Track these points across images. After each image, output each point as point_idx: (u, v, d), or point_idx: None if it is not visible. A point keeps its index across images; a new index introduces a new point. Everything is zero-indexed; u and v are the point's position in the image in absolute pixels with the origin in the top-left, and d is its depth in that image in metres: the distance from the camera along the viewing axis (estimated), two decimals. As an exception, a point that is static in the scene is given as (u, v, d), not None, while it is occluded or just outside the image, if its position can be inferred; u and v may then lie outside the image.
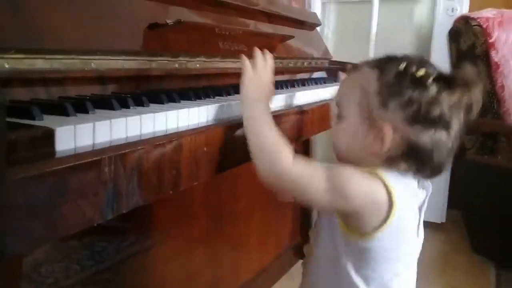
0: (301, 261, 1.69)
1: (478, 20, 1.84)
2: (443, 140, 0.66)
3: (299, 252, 1.72)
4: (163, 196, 0.60)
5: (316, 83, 1.38)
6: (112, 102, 0.64)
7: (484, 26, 1.82)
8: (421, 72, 0.66)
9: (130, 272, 1.03)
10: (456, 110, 0.66)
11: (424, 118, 0.65)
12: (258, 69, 0.77)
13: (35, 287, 0.82)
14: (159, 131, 0.62)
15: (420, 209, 0.73)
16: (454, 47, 1.88)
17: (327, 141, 2.43)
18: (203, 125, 0.71)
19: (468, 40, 1.85)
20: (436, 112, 0.65)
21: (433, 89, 0.65)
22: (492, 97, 1.83)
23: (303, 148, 1.77)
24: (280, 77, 1.36)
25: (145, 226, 1.05)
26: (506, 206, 1.70)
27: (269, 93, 0.77)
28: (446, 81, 0.66)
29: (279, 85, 1.16)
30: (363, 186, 0.66)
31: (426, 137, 0.65)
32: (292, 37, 1.34)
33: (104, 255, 0.96)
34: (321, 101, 1.16)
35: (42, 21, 0.65)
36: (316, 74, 1.59)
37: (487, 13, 1.88)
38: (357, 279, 0.70)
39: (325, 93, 1.24)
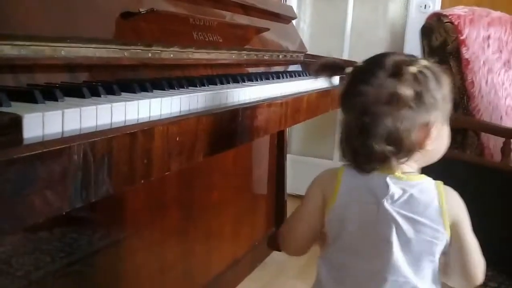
0: (275, 252, 1.72)
1: (450, 17, 1.88)
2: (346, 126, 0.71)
3: (273, 243, 1.73)
4: (134, 185, 0.60)
5: (291, 76, 1.39)
6: (83, 90, 0.63)
7: (456, 23, 1.86)
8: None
9: (102, 264, 1.02)
10: (354, 96, 0.69)
11: (341, 101, 0.73)
12: None
13: (6, 279, 0.81)
14: (130, 120, 0.62)
15: (377, 207, 0.70)
16: (426, 43, 1.92)
17: (302, 133, 2.45)
18: (176, 115, 0.71)
19: (440, 36, 1.90)
20: (344, 96, 0.73)
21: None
22: (462, 93, 1.88)
23: (278, 139, 1.78)
24: (255, 69, 1.36)
25: (117, 218, 1.04)
26: (474, 199, 1.76)
27: None
28: (357, 71, 0.73)
29: (253, 77, 1.17)
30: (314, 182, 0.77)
31: (343, 120, 0.72)
32: (267, 29, 1.35)
33: (76, 246, 0.95)
34: (295, 94, 1.17)
35: (11, 7, 0.64)
36: (292, 68, 1.60)
37: (459, 10, 1.92)
38: (319, 261, 0.76)
39: (300, 86, 1.26)
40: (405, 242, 0.69)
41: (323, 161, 2.20)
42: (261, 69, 1.40)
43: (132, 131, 0.58)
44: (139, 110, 0.64)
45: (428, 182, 0.71)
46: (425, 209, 0.69)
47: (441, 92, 0.69)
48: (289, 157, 2.33)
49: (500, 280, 1.66)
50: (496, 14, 2.02)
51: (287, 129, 2.42)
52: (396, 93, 0.66)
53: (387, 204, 0.69)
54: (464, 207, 0.73)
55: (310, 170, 2.27)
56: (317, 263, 0.77)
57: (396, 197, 0.69)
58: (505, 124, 1.88)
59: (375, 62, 0.70)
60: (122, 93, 0.69)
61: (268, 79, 1.23)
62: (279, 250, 1.74)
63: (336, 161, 2.16)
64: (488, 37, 1.93)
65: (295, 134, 2.48)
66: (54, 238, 0.90)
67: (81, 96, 0.62)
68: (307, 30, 2.41)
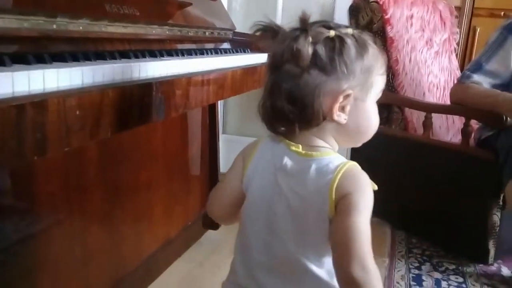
0: (210, 231, 1.71)
1: (376, -4, 1.93)
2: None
3: (207, 222, 1.72)
4: (26, 161, 0.56)
5: (217, 53, 1.37)
6: (-35, 60, 0.58)
7: (381, 2, 1.92)
8: None
9: (24, 254, 0.96)
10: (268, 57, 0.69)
11: None
12: None
13: None
14: (19, 92, 0.57)
15: (275, 180, 0.68)
16: (354, 23, 1.97)
17: (238, 114, 2.45)
18: (77, 87, 0.67)
19: (366, 16, 1.94)
20: None
21: None
22: (388, 71, 1.95)
23: (210, 119, 1.76)
24: (180, 46, 1.32)
25: (35, 205, 0.98)
26: (399, 172, 1.84)
27: None
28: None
29: (174, 53, 1.13)
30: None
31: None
32: (190, 4, 1.31)
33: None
34: (219, 69, 1.15)
35: None
36: (219, 45, 1.57)
37: (384, -10, 1.97)
38: None
39: (225, 62, 1.24)
40: (292, 218, 0.67)
41: (258, 141, 2.21)
42: (186, 46, 1.36)
43: (19, 103, 0.54)
44: (31, 82, 0.59)
45: (333, 159, 0.67)
46: (314, 184, 0.65)
47: (362, 64, 0.65)
48: (224, 137, 2.32)
49: (424, 247, 1.76)
50: (419, -6, 2.09)
51: (222, 109, 2.40)
52: (299, 51, 0.62)
53: (279, 176, 0.68)
54: (363, 190, 0.64)
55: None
56: None
57: (288, 169, 0.67)
58: (427, 100, 1.98)
59: (299, 25, 0.66)
60: (14, 65, 0.64)
61: (191, 55, 1.20)
62: (214, 229, 1.74)
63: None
64: (411, 16, 2.01)
65: (231, 114, 2.47)
66: None
67: (-37, 66, 0.57)
68: (240, 10, 2.38)
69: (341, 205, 0.63)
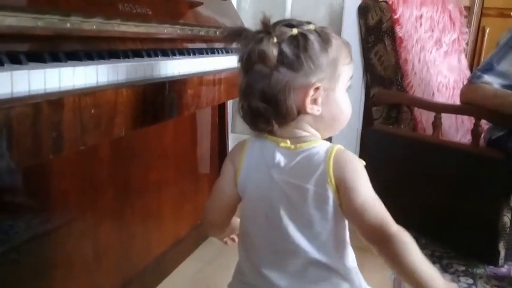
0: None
1: (385, -4, 1.92)
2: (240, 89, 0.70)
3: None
4: (42, 160, 0.56)
5: (228, 52, 1.37)
6: (-17, 59, 0.58)
7: (390, 2, 1.91)
8: None
9: (37, 252, 0.96)
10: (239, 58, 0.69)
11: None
12: None
13: None
14: (36, 90, 0.58)
15: (269, 177, 0.70)
16: (363, 23, 1.96)
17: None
18: (92, 86, 0.67)
19: (375, 15, 1.94)
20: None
21: None
22: (397, 71, 1.94)
23: (220, 117, 1.76)
24: (191, 45, 1.32)
25: (50, 204, 0.99)
26: (408, 172, 1.83)
27: None
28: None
29: (186, 52, 1.13)
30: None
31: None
32: (201, 3, 1.31)
33: (12, 234, 0.90)
34: (230, 69, 1.16)
35: None
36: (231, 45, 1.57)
37: (393, -11, 1.97)
38: None
39: (235, 62, 1.24)
40: (294, 211, 0.68)
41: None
42: (197, 45, 1.36)
43: (35, 101, 0.54)
44: (46, 80, 0.59)
45: (320, 147, 0.69)
46: (311, 175, 0.67)
47: (327, 57, 0.68)
48: (233, 136, 2.32)
49: (434, 248, 1.75)
50: (428, -7, 2.08)
51: (231, 108, 2.40)
52: (264, 52, 0.64)
53: (274, 173, 0.69)
54: (356, 168, 0.68)
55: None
56: None
57: (282, 165, 0.69)
58: (436, 100, 1.97)
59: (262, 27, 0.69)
60: (31, 63, 0.64)
61: (202, 54, 1.20)
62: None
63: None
64: (421, 16, 2.00)
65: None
66: None
67: (-20, 65, 0.57)
68: (249, 10, 2.38)
69: (344, 189, 0.66)
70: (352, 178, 0.67)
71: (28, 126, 0.53)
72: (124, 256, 1.26)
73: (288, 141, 0.70)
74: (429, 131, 1.82)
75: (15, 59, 0.62)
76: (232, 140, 2.03)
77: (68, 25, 0.84)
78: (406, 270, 0.64)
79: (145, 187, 1.34)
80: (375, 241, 0.66)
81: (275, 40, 0.65)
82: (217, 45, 1.47)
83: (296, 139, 0.70)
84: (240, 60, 0.68)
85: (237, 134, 2.41)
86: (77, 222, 1.07)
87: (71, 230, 1.05)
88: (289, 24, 0.68)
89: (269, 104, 0.66)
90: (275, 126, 0.69)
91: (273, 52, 0.64)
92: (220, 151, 1.80)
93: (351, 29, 2.02)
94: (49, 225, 0.99)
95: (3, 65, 0.60)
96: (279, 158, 0.69)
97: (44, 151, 0.56)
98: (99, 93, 0.65)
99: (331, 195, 0.66)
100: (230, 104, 2.28)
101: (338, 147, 0.69)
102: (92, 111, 0.63)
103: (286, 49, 0.65)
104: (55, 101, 0.56)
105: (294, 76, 0.66)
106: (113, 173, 1.19)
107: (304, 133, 0.70)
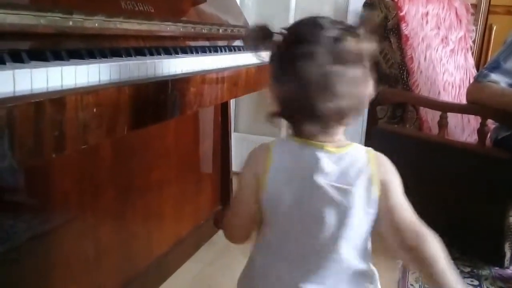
0: (221, 230, 1.70)
1: (391, -7, 1.90)
2: (293, 91, 0.66)
3: (219, 222, 1.71)
4: (45, 159, 0.55)
5: (231, 50, 1.35)
6: (-17, 57, 0.57)
7: (396, -1, 1.89)
8: (283, 30, 0.69)
9: (38, 251, 0.96)
10: (299, 59, 0.65)
11: (277, 72, 0.68)
12: None
13: None
14: (38, 89, 0.57)
15: (309, 184, 0.67)
16: (368, 20, 1.94)
17: (249, 112, 2.43)
18: (94, 84, 0.66)
19: (380, 13, 1.92)
20: (281, 65, 0.68)
21: (281, 43, 0.68)
22: (402, 69, 1.92)
23: (222, 116, 1.75)
24: (195, 43, 1.31)
25: (50, 203, 0.98)
26: (413, 172, 1.81)
27: None
28: (293, 33, 0.68)
29: (188, 50, 1.12)
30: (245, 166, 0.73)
31: (283, 90, 0.68)
32: (203, 1, 1.30)
33: (12, 234, 0.89)
34: (233, 67, 1.14)
35: None
36: (233, 42, 1.56)
37: (399, -13, 1.95)
38: (255, 247, 0.74)
39: (238, 60, 1.23)
40: (339, 216, 0.67)
41: (270, 139, 2.19)
42: (200, 43, 1.35)
43: (38, 100, 0.53)
44: (49, 79, 0.58)
45: (357, 150, 0.70)
46: (356, 178, 0.67)
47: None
48: (236, 136, 2.31)
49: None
50: (434, -9, 2.06)
51: (234, 107, 2.39)
52: (359, 51, 0.66)
53: (319, 179, 0.67)
54: (394, 170, 0.71)
55: (257, 148, 2.29)
56: (252, 250, 0.73)
57: (328, 170, 0.67)
58: (442, 99, 1.95)
59: (311, 24, 0.67)
60: (32, 61, 0.63)
61: (205, 52, 1.19)
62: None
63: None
64: (427, 13, 1.98)
65: (243, 112, 2.46)
66: None
67: (-19, 63, 0.56)
68: (252, 7, 2.37)
69: (386, 191, 0.69)
70: (393, 179, 0.70)
71: (30, 125, 0.52)
72: (125, 256, 1.25)
73: (330, 145, 0.68)
74: (435, 130, 1.81)
75: (17, 58, 0.61)
76: (234, 140, 2.02)
77: (70, 23, 0.83)
78: (439, 269, 0.67)
79: (146, 187, 1.33)
80: (414, 239, 0.69)
81: (359, 38, 0.66)
82: (220, 43, 1.46)
83: (335, 143, 0.69)
84: (309, 59, 0.64)
85: (240, 133, 2.39)
86: (78, 221, 1.06)
87: (72, 230, 1.04)
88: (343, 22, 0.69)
89: (344, 101, 0.65)
90: (320, 130, 0.68)
91: (358, 49, 0.65)
92: (223, 150, 1.79)
93: (355, 27, 2.00)
94: (49, 224, 0.98)
95: (5, 63, 0.59)
96: (324, 162, 0.67)
97: (46, 150, 0.55)
98: (101, 91, 0.64)
99: (375, 197, 0.68)
100: (232, 103, 2.27)
101: (373, 151, 0.71)
102: (95, 109, 0.62)
103: (368, 45, 0.67)
104: (58, 100, 0.56)
105: (362, 71, 0.67)
106: (114, 172, 1.18)
107: (340, 137, 0.70)
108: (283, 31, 0.69)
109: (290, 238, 0.69)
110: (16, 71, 0.54)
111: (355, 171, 0.68)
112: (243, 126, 2.44)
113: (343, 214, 0.67)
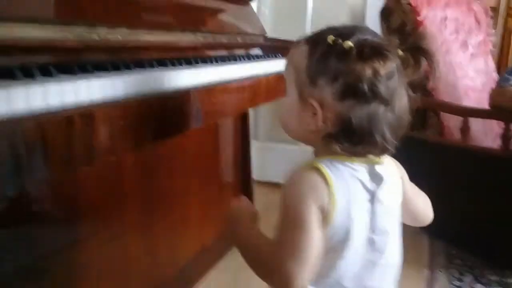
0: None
1: (408, -2, 1.89)
2: (379, 114, 0.62)
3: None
4: (75, 171, 0.56)
5: (250, 59, 1.36)
6: (14, 71, 0.58)
7: (414, 4, 1.88)
8: (348, 43, 0.63)
9: (65, 261, 0.97)
10: (391, 81, 0.62)
11: (354, 92, 0.62)
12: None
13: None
14: (68, 103, 0.58)
15: (371, 202, 0.67)
16: (386, 26, 1.93)
17: (268, 120, 2.43)
18: (120, 97, 0.67)
19: (398, 18, 1.90)
20: (366, 85, 0.61)
21: (358, 60, 0.62)
22: (422, 74, 1.90)
23: (242, 125, 1.75)
24: (214, 53, 1.32)
25: (77, 213, 0.99)
26: (435, 179, 1.79)
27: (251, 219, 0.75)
28: (374, 50, 0.63)
29: (208, 60, 1.13)
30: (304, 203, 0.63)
31: (360, 112, 0.62)
32: (223, 10, 1.31)
33: (38, 244, 0.90)
34: (253, 76, 1.15)
35: None
36: (251, 51, 1.57)
37: (417, -8, 1.93)
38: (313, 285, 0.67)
39: (258, 69, 1.23)
40: (396, 223, 0.71)
41: (289, 147, 2.19)
42: (219, 53, 1.36)
43: (69, 115, 0.54)
44: (77, 92, 0.59)
45: (388, 159, 0.71)
46: (398, 185, 0.72)
47: None
48: (256, 144, 2.31)
49: (465, 258, 1.69)
50: (453, -5, 2.04)
51: (253, 115, 2.39)
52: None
53: (380, 194, 0.66)
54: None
55: (278, 156, 2.29)
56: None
57: (384, 183, 0.67)
58: (463, 104, 1.92)
59: (379, 38, 0.66)
60: (61, 75, 0.64)
61: (224, 61, 1.20)
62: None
63: (302, 145, 2.16)
64: (446, 18, 1.96)
65: (261, 121, 2.46)
66: (16, 236, 0.85)
67: (13, 77, 0.58)
68: (269, 14, 2.37)
69: (404, 185, 0.74)
70: (405, 173, 0.76)
71: (61, 139, 0.53)
72: (151, 265, 1.26)
73: (377, 159, 0.67)
74: (457, 136, 1.78)
75: (46, 71, 0.62)
76: (253, 148, 2.02)
77: (95, 36, 0.85)
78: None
79: (170, 196, 1.33)
80: (427, 216, 0.80)
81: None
82: (237, 51, 1.46)
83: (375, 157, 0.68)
84: (389, 79, 0.62)
85: (260, 142, 2.39)
86: (105, 231, 1.07)
87: (99, 240, 1.05)
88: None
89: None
90: (380, 151, 0.67)
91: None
92: (243, 158, 1.79)
93: (373, 32, 1.99)
94: (76, 234, 0.99)
95: (35, 77, 0.60)
96: (381, 176, 0.67)
97: (76, 162, 0.56)
98: (127, 104, 0.65)
99: (401, 195, 0.73)
100: (251, 111, 2.28)
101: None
102: (121, 122, 0.63)
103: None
104: (87, 114, 0.57)
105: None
106: (139, 182, 1.19)
107: None
108: (350, 43, 0.63)
109: (357, 260, 0.67)
110: (47, 85, 0.55)
111: (395, 176, 0.71)
112: (263, 134, 2.44)
113: (396, 219, 0.71)
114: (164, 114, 0.74)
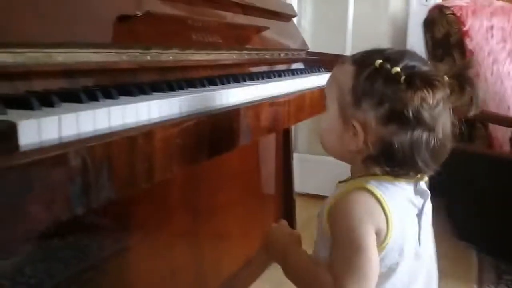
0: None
1: (452, 8, 1.86)
2: (422, 141, 0.62)
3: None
4: (137, 189, 0.59)
5: (293, 74, 1.37)
6: (80, 95, 0.62)
7: (458, 14, 1.84)
8: (396, 69, 0.63)
9: (114, 270, 1.01)
10: (437, 109, 0.62)
11: (398, 118, 0.62)
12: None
13: (20, 288, 0.80)
14: (129, 124, 0.61)
15: (419, 216, 0.68)
16: (429, 36, 1.90)
17: (307, 132, 2.44)
18: (176, 116, 0.70)
19: (442, 28, 1.87)
20: (411, 112, 0.61)
21: (406, 88, 0.62)
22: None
23: (284, 138, 1.77)
24: (258, 69, 1.35)
25: (126, 223, 1.03)
26: (485, 192, 1.73)
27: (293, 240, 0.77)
28: (423, 79, 0.62)
29: (255, 77, 1.15)
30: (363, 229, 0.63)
31: (403, 137, 0.62)
32: (267, 28, 1.33)
33: (88, 253, 0.94)
34: (298, 91, 1.16)
35: (5, 14, 0.63)
36: (294, 66, 1.59)
37: (461, 1, 1.90)
38: None
39: (302, 84, 1.24)
40: (431, 231, 0.72)
41: (328, 159, 2.17)
42: (263, 68, 1.38)
43: (132, 134, 0.57)
44: (138, 113, 0.63)
45: None
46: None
47: None
48: (295, 156, 2.31)
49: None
50: (498, 3, 2.00)
51: (292, 128, 2.41)
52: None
53: (426, 209, 0.69)
54: None
55: (317, 168, 2.28)
56: None
57: (427, 197, 0.70)
58: (512, 114, 1.86)
59: (429, 64, 0.67)
60: (121, 97, 0.68)
61: (269, 77, 1.22)
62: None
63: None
64: (492, 27, 1.91)
65: (301, 133, 2.47)
66: (66, 245, 0.89)
67: (78, 101, 0.61)
68: (309, 28, 2.39)
69: None
70: None
71: (124, 158, 0.56)
72: (197, 276, 1.29)
73: (420, 175, 0.69)
74: (506, 147, 1.72)
75: (108, 94, 0.66)
76: (295, 160, 2.02)
77: (148, 57, 0.89)
78: None
79: (214, 208, 1.36)
80: None
81: None
82: (279, 66, 1.48)
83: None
84: (439, 107, 0.63)
85: (300, 153, 2.40)
86: (152, 241, 1.10)
87: (146, 250, 1.09)
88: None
89: None
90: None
91: None
92: (285, 171, 1.80)
93: (416, 43, 1.96)
94: (124, 244, 1.03)
95: (98, 100, 0.64)
96: (427, 191, 0.69)
97: (138, 180, 0.59)
98: (184, 123, 0.67)
99: None
100: (293, 124, 2.29)
101: None
102: (177, 141, 0.66)
103: None
104: (148, 134, 0.59)
105: None
106: (184, 195, 1.22)
107: None
108: (398, 69, 0.63)
109: (406, 272, 0.68)
110: (112, 108, 0.58)
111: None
112: (302, 146, 2.44)
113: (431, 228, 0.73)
114: (216, 132, 0.76)
